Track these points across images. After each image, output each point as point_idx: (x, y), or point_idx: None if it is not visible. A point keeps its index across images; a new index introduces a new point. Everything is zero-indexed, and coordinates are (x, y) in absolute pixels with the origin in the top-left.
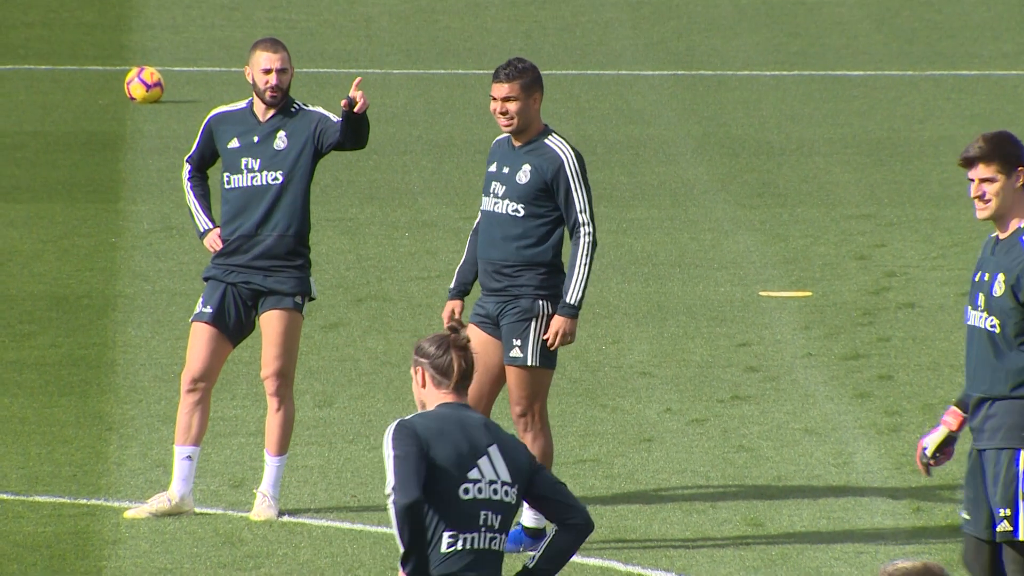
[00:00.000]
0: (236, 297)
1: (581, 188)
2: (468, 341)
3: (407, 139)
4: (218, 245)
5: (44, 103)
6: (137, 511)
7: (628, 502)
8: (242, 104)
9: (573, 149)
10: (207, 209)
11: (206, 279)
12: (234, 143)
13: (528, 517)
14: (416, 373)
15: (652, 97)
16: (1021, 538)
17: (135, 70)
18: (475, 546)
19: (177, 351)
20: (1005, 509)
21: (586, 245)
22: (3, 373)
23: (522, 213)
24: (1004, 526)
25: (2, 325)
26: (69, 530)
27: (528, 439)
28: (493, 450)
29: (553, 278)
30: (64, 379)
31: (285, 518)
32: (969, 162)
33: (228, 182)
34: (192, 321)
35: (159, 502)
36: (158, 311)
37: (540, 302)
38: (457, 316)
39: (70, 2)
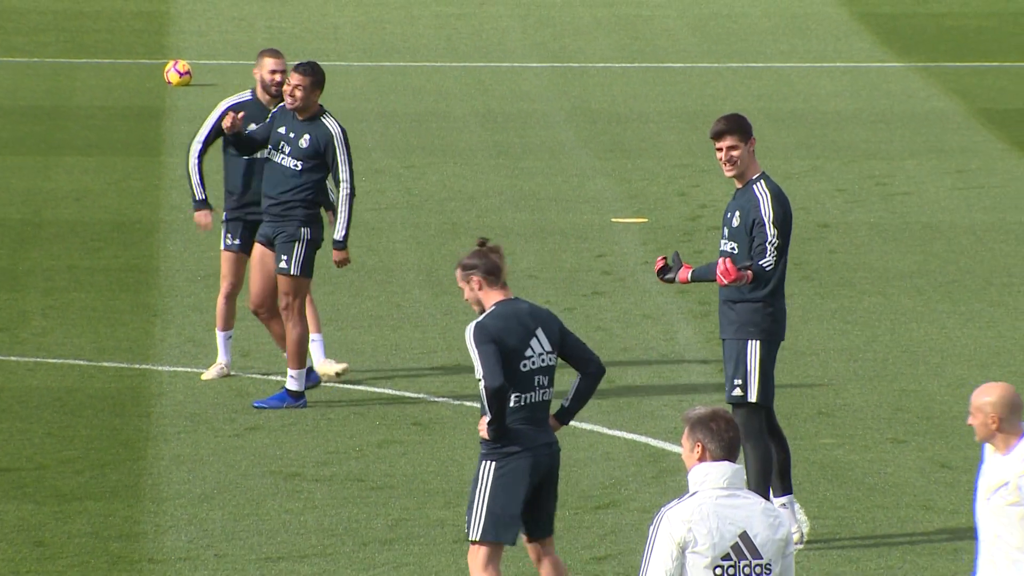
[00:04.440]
0: None
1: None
2: (493, 246)
3: (363, 111)
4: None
5: (108, 86)
6: (207, 374)
7: None
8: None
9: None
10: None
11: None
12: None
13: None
14: (470, 282)
15: (536, 82)
16: (751, 400)
17: (171, 62)
18: (532, 401)
19: (202, 261)
20: (737, 379)
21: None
22: (80, 275)
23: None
24: (737, 392)
25: (79, 242)
26: (127, 386)
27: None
28: (539, 331)
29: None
30: (122, 280)
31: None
32: (718, 136)
33: None
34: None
35: (218, 369)
36: (189, 233)
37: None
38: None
39: (126, 13)
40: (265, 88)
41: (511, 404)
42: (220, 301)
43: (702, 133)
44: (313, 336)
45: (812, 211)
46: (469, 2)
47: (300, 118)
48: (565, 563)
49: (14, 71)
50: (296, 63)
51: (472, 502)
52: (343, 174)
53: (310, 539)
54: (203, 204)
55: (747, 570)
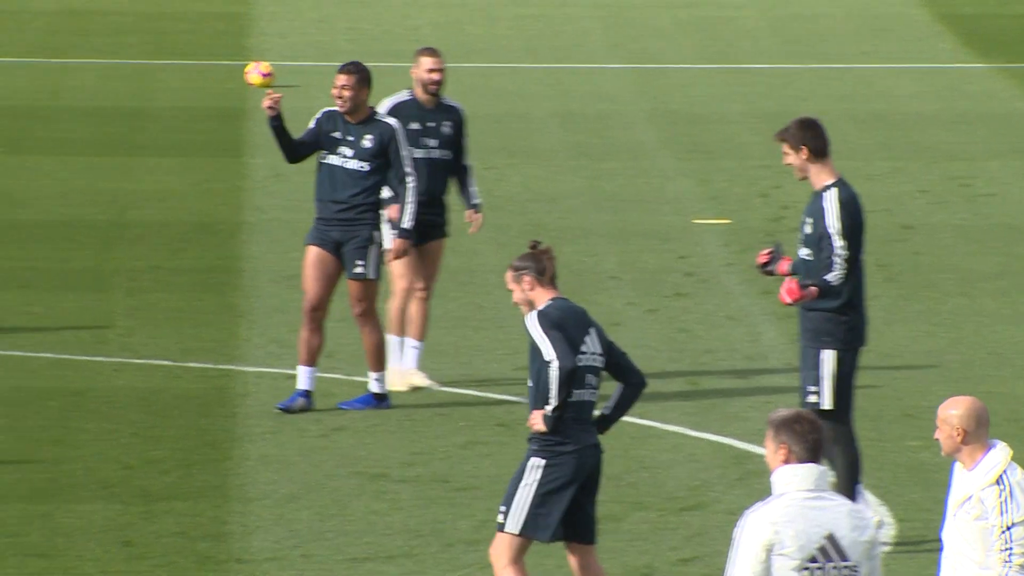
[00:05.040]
0: None
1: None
2: (547, 247)
3: None
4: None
5: (192, 87)
6: (399, 385)
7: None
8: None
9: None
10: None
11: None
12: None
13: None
14: (521, 282)
15: (616, 83)
16: (824, 407)
17: (253, 63)
18: (581, 399)
19: (284, 262)
20: (811, 386)
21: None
22: (165, 276)
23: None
24: (811, 399)
25: (163, 243)
26: (212, 386)
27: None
28: (592, 331)
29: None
30: (206, 281)
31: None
32: (779, 140)
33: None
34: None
35: (421, 378)
36: (271, 234)
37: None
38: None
39: (209, 15)
40: (424, 87)
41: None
42: (394, 306)
43: None
44: (414, 343)
45: (895, 212)
46: (549, 3)
47: (352, 120)
48: (651, 565)
49: (97, 72)
50: (341, 64)
51: (514, 493)
52: (407, 167)
53: (396, 540)
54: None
55: (834, 572)
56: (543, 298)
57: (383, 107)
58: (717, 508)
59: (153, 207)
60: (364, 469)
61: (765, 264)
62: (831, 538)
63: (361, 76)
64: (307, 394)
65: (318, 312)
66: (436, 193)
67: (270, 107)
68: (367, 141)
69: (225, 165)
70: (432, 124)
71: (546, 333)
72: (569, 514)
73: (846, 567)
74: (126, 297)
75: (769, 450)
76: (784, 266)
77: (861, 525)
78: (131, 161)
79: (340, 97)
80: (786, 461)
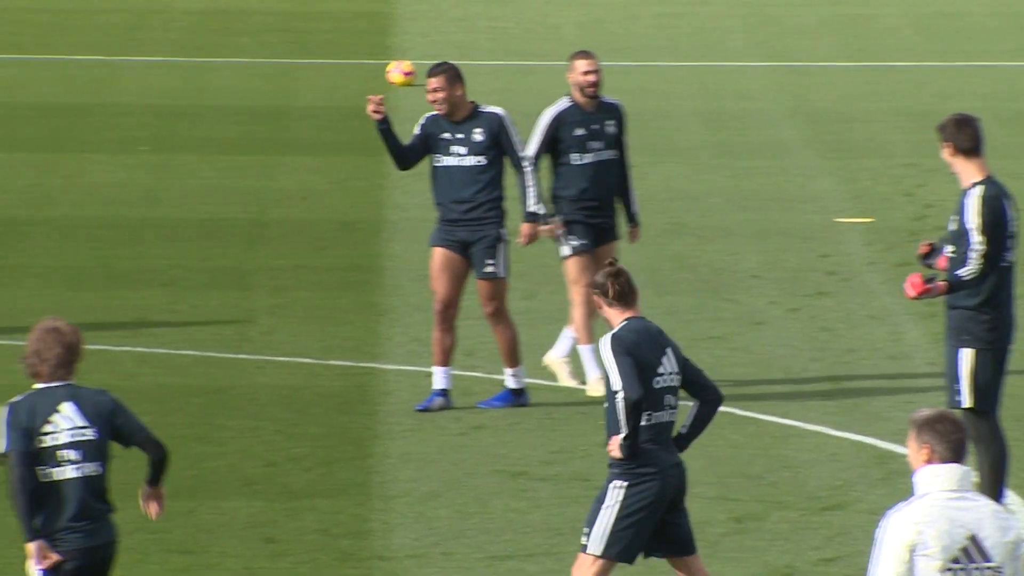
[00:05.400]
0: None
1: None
2: (617, 269)
3: None
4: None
5: (333, 86)
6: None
7: (745, 367)
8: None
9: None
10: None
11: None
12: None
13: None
14: (596, 299)
15: (758, 81)
16: (965, 405)
17: (395, 63)
18: (661, 420)
19: (425, 260)
20: (954, 385)
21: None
22: (306, 275)
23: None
24: (955, 397)
25: (305, 241)
26: (354, 384)
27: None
28: (668, 351)
29: None
30: (347, 279)
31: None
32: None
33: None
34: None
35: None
36: (412, 232)
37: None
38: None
39: (350, 14)
40: (581, 90)
41: (643, 422)
42: (579, 314)
43: (928, 133)
44: (584, 348)
45: None
46: (691, 1)
47: (457, 119)
48: (792, 564)
49: (240, 71)
50: (429, 68)
51: (596, 515)
52: (520, 152)
53: (536, 538)
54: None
55: (977, 574)
56: (616, 318)
57: (545, 116)
58: (859, 508)
59: (295, 206)
60: (504, 467)
61: (926, 256)
62: (974, 539)
63: (450, 75)
64: (444, 393)
65: (449, 312)
66: (607, 195)
67: (375, 111)
68: (478, 135)
69: (366, 164)
70: (596, 126)
71: (616, 359)
72: (662, 533)
73: (989, 568)
74: (268, 295)
75: (912, 450)
76: (944, 261)
77: (1005, 526)
78: (274, 160)
79: (435, 101)
80: (929, 461)
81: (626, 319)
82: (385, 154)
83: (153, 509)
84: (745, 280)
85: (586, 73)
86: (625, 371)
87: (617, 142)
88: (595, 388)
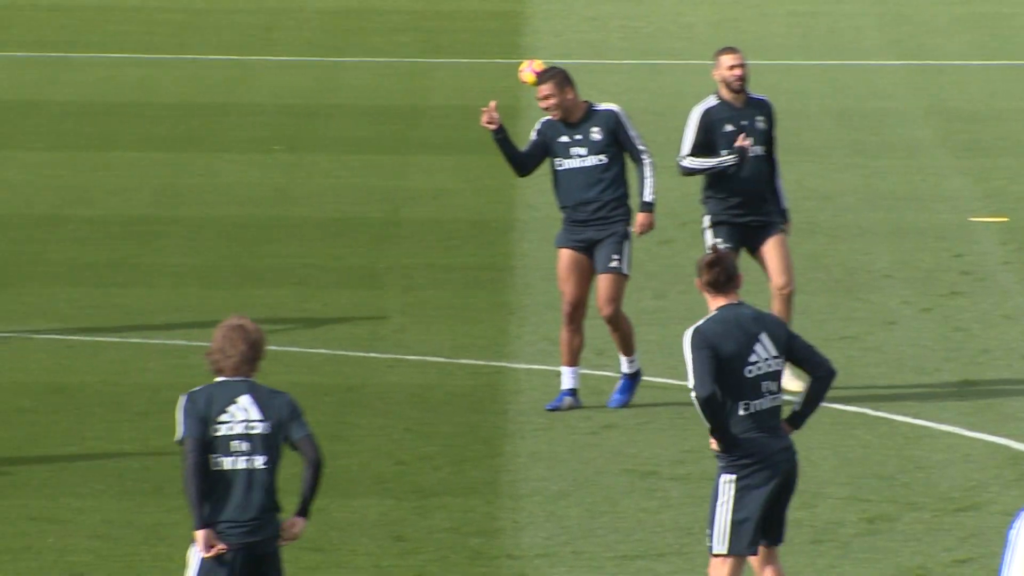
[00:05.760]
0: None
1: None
2: (715, 257)
3: None
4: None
5: (464, 85)
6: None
7: (877, 367)
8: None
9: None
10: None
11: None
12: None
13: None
14: (698, 285)
15: (892, 80)
16: None
17: (527, 62)
18: (761, 408)
19: (556, 259)
20: None
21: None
22: (438, 274)
23: None
24: None
25: (436, 240)
26: (484, 383)
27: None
28: (762, 336)
29: None
30: (478, 278)
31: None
32: None
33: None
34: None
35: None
36: (543, 231)
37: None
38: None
39: (483, 13)
40: (728, 86)
41: (740, 412)
42: (775, 309)
43: None
44: None
45: None
46: (824, 0)
47: (573, 121)
48: (925, 566)
49: (373, 71)
50: (538, 74)
51: (714, 516)
52: (639, 146)
53: (666, 537)
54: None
55: None
56: (713, 305)
57: (694, 114)
58: (993, 509)
59: (427, 205)
60: (634, 466)
61: None
62: None
63: (558, 80)
64: (573, 392)
65: (578, 313)
66: (756, 193)
67: (488, 121)
68: (596, 134)
69: (498, 163)
70: (745, 122)
71: (693, 354)
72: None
73: None
74: (400, 294)
75: None
76: None
77: None
78: (405, 159)
79: (548, 107)
80: None
81: (718, 308)
82: None
83: (292, 533)
84: (878, 280)
85: (732, 68)
86: (697, 367)
87: (766, 138)
88: (792, 383)
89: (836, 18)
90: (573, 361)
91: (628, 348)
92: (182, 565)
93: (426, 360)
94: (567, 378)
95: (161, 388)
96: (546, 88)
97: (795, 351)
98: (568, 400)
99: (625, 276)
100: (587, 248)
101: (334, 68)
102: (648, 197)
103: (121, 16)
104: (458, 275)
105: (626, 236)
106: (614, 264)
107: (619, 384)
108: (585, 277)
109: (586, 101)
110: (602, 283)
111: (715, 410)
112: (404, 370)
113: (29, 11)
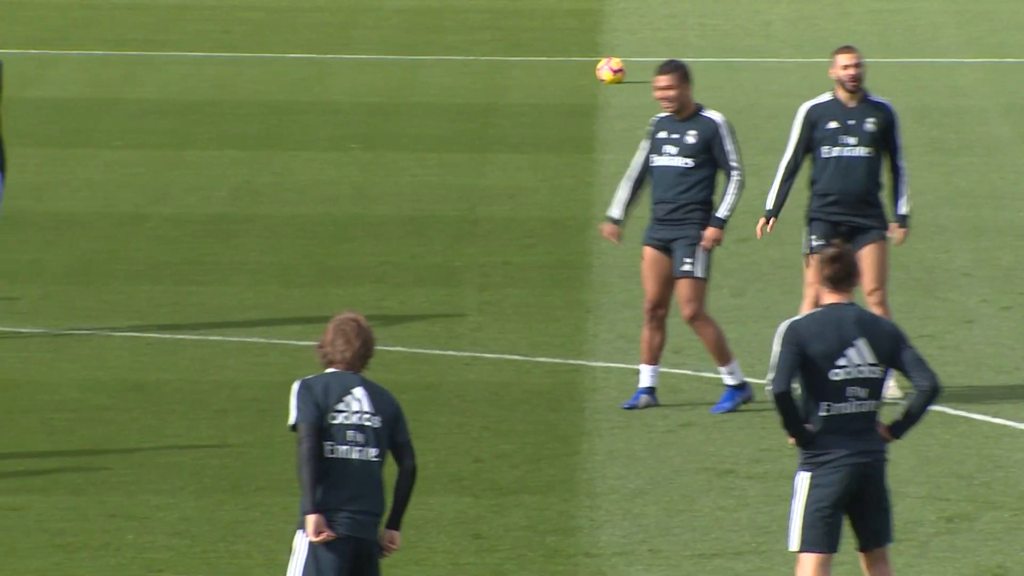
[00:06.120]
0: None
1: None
2: (837, 252)
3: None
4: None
5: (541, 83)
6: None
7: (955, 365)
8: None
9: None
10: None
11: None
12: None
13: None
14: (814, 278)
15: (971, 78)
16: None
17: (604, 60)
18: (844, 412)
19: (633, 257)
20: None
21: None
22: (515, 272)
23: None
24: None
25: (513, 238)
26: (561, 381)
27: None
28: (860, 341)
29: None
30: (555, 276)
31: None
32: None
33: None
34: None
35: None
36: (623, 229)
37: None
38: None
39: (561, 11)
40: (843, 86)
41: (821, 412)
42: (804, 308)
43: None
44: None
45: None
46: None
47: (679, 118)
48: (1004, 565)
49: (450, 69)
50: (659, 65)
51: (791, 513)
52: (732, 162)
53: (743, 536)
54: (770, 214)
55: None
56: (824, 300)
57: (802, 109)
58: None
59: (504, 203)
60: (712, 465)
61: None
62: None
63: (680, 73)
64: (650, 391)
65: (659, 311)
66: (854, 192)
67: (610, 235)
68: (690, 138)
69: (575, 161)
70: (852, 122)
71: (780, 348)
72: (853, 522)
73: None
74: (477, 292)
75: None
76: None
77: None
78: (482, 157)
79: (664, 98)
80: None
81: (823, 305)
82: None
83: (394, 548)
84: (956, 278)
85: (846, 67)
86: (780, 362)
87: (875, 140)
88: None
89: (915, 15)
90: (652, 359)
91: (720, 356)
92: (259, 562)
93: (503, 358)
94: (645, 376)
95: (239, 386)
96: (666, 79)
97: (901, 362)
98: (644, 398)
99: (699, 279)
100: (665, 247)
101: (412, 67)
102: (722, 213)
103: (200, 15)
104: (535, 273)
105: (700, 239)
106: (686, 268)
107: (724, 393)
108: (665, 276)
109: (697, 103)
110: (678, 286)
111: (787, 407)
112: (481, 368)
113: (109, 10)
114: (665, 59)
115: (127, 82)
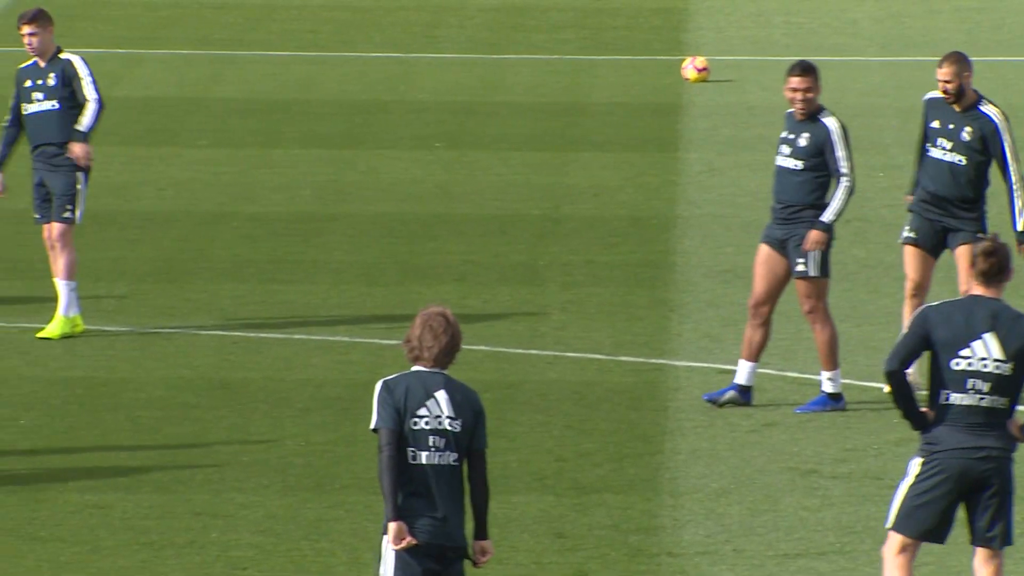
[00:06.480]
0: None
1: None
2: (991, 247)
3: (880, 106)
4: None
5: (625, 82)
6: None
7: None
8: None
9: None
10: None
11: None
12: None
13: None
14: (968, 271)
15: None
16: None
17: (689, 59)
18: (962, 403)
19: (717, 257)
20: None
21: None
22: (598, 271)
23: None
24: None
25: (597, 237)
26: (644, 380)
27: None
28: (988, 335)
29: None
30: (639, 275)
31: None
32: None
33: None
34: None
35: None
36: (704, 228)
37: None
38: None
39: (645, 10)
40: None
41: (940, 400)
42: (906, 305)
43: None
44: None
45: None
46: None
47: (799, 119)
48: None
49: (535, 68)
50: (793, 65)
51: (896, 490)
52: (842, 168)
53: (828, 536)
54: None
55: None
56: (970, 291)
57: (923, 99)
58: None
59: (587, 202)
60: (796, 465)
61: None
62: None
63: (816, 75)
64: (743, 390)
65: (763, 308)
66: (945, 196)
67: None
68: (803, 140)
69: (659, 160)
70: (952, 126)
71: (907, 328)
72: (967, 517)
73: None
74: (560, 291)
75: None
76: None
77: None
78: (566, 156)
79: (796, 99)
80: None
81: (969, 295)
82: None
83: (487, 558)
84: None
85: (940, 80)
86: (900, 342)
87: (968, 150)
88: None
89: (1003, 14)
90: (751, 356)
91: (828, 359)
92: (343, 561)
93: (586, 357)
94: (741, 372)
95: (323, 384)
96: (800, 81)
97: None
98: (731, 394)
99: (815, 278)
100: (779, 245)
101: (496, 65)
102: (827, 217)
103: (286, 14)
104: (618, 272)
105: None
106: (800, 268)
107: (817, 397)
108: (774, 274)
109: (820, 105)
110: (797, 286)
111: (897, 385)
112: (564, 367)
113: (195, 9)
114: (799, 59)
115: (213, 81)
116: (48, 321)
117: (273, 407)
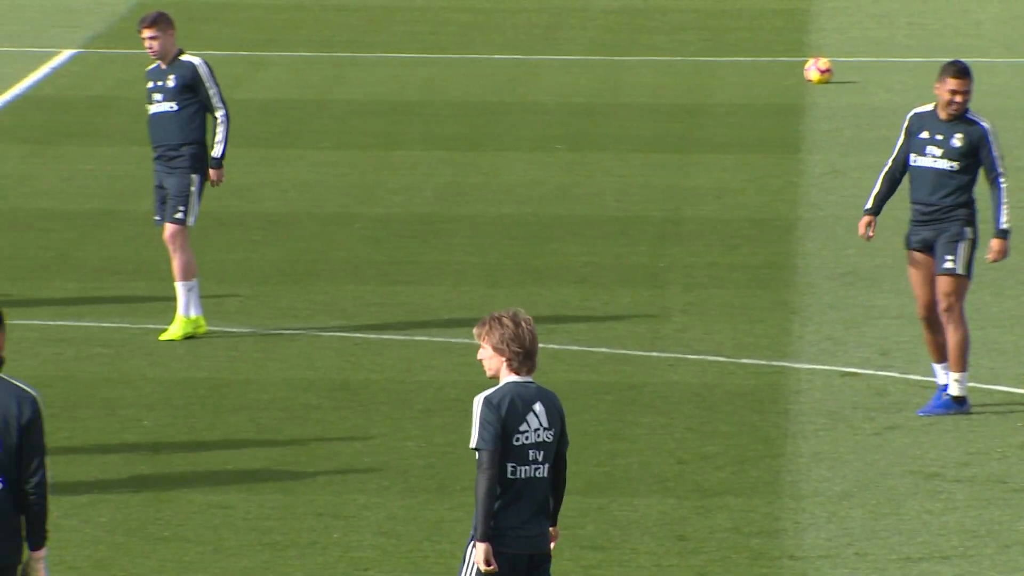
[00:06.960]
0: None
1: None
2: None
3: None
4: None
5: (747, 83)
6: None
7: None
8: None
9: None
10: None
11: None
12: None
13: (954, 388)
14: None
15: None
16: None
17: (811, 60)
18: None
19: (840, 258)
20: None
21: None
22: (719, 273)
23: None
24: None
25: (718, 239)
26: (766, 383)
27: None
28: None
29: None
30: (760, 277)
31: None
32: None
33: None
34: None
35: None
36: (827, 230)
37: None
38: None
39: (767, 11)
40: (946, 107)
41: None
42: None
43: None
44: None
45: None
46: None
47: (943, 119)
48: None
49: (656, 69)
50: (948, 63)
51: None
52: (998, 168)
53: (951, 540)
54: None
55: None
56: None
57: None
58: None
59: (709, 203)
60: (919, 468)
61: None
62: None
63: (972, 77)
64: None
65: (931, 314)
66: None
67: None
68: (956, 141)
69: (781, 161)
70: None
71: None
72: None
73: None
74: (681, 293)
75: None
76: None
77: None
78: (688, 158)
79: (951, 102)
80: None
81: None
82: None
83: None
84: None
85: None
86: None
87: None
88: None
89: None
90: (938, 358)
91: (957, 361)
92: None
93: (707, 359)
94: (941, 375)
95: (445, 386)
96: (961, 83)
97: None
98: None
99: (961, 276)
100: (927, 248)
101: (617, 67)
102: (1002, 224)
103: (408, 16)
104: (740, 274)
105: (961, 237)
106: (947, 265)
107: (941, 399)
108: (931, 278)
109: (968, 108)
110: (938, 283)
111: None
112: (685, 369)
113: (317, 11)
114: (952, 59)
115: (335, 83)
116: (171, 322)
117: (394, 408)
